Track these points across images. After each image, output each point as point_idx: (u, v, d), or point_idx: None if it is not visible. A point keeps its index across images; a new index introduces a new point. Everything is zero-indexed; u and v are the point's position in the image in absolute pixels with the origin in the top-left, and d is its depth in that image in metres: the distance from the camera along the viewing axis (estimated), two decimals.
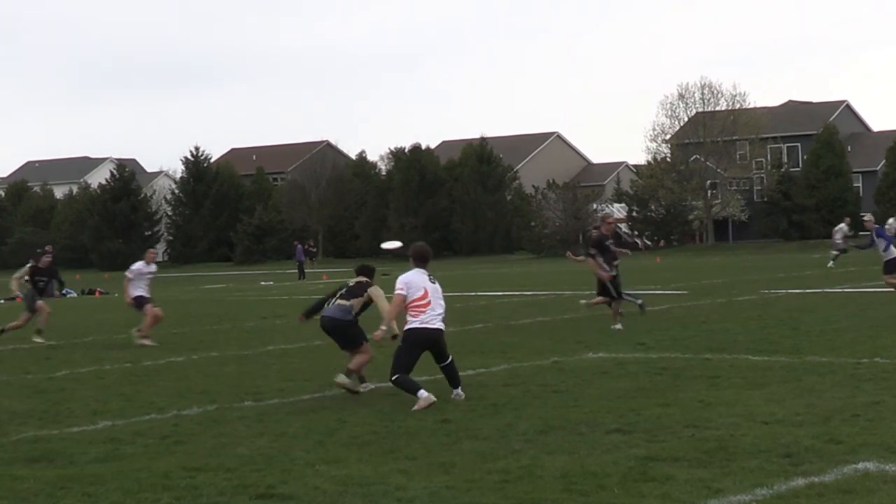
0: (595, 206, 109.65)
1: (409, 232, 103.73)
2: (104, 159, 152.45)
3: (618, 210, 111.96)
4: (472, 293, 43.44)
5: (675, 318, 27.58)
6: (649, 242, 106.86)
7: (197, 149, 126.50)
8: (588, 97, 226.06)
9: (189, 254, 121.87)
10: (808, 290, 35.56)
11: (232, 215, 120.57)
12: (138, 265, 27.34)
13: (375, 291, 17.11)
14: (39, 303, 27.66)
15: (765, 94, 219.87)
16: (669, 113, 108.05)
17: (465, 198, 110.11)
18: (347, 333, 17.16)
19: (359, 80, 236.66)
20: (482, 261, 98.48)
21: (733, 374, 17.05)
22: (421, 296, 15.70)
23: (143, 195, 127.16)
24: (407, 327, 15.73)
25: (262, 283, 66.33)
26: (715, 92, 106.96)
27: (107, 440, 13.63)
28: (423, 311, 15.67)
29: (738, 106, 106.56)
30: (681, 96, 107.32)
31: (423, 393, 15.19)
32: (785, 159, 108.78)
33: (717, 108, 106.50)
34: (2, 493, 11.00)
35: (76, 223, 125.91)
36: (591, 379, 17.29)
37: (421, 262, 16.08)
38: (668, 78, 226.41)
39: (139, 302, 26.96)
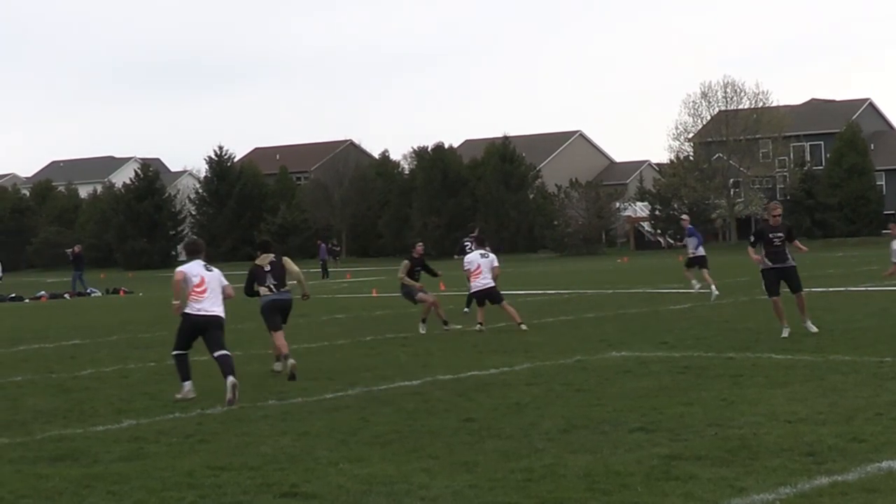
0: (618, 204, 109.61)
1: (432, 231, 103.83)
2: (128, 159, 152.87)
3: (640, 209, 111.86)
4: None
5: (697, 317, 27.52)
6: (672, 241, 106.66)
7: (221, 148, 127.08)
8: (611, 96, 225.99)
9: (213, 253, 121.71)
10: (830, 289, 35.44)
11: (255, 214, 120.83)
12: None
13: (289, 261, 20.19)
14: (420, 294, 27.10)
15: (787, 92, 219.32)
16: (692, 111, 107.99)
17: (487, 197, 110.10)
18: (290, 311, 20.10)
19: (382, 80, 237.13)
20: (505, 259, 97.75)
21: (756, 373, 17.00)
22: (198, 283, 17.13)
23: (167, 194, 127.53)
24: (189, 311, 17.12)
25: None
26: (738, 90, 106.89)
27: (131, 439, 13.66)
28: (202, 297, 17.08)
29: (760, 104, 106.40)
30: (704, 95, 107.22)
31: (187, 385, 16.87)
32: (808, 158, 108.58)
33: (740, 107, 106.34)
34: (27, 491, 11.04)
35: (101, 222, 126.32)
36: (613, 378, 17.26)
37: (193, 254, 17.56)
38: (690, 76, 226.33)
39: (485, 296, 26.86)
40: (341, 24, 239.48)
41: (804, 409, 13.66)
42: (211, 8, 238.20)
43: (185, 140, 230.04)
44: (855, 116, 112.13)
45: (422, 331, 26.62)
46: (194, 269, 17.27)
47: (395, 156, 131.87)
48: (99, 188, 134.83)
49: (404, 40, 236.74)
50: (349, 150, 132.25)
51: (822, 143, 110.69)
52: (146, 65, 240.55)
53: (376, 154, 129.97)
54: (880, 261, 51.83)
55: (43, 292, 60.07)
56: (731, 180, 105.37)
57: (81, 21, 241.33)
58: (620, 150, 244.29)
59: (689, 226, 36.62)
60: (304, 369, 20.18)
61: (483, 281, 26.87)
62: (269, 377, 19.30)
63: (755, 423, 12.81)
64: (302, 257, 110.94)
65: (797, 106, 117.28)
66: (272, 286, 19.76)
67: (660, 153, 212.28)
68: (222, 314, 17.29)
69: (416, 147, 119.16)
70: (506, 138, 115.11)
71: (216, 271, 17.45)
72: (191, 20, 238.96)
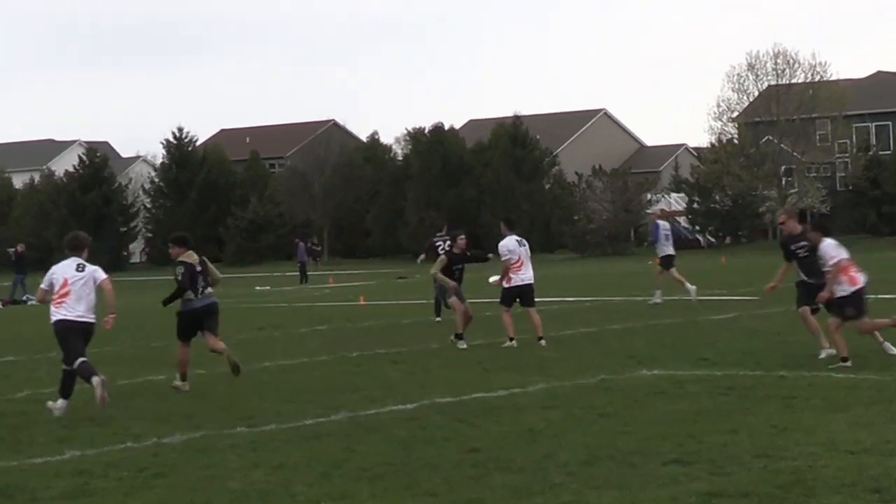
0: (649, 196, 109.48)
1: (428, 227, 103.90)
2: (72, 142, 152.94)
3: (675, 201, 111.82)
4: None
5: (743, 329, 27.54)
6: (713, 239, 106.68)
7: (180, 130, 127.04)
8: (641, 68, 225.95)
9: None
10: None
11: (221, 208, 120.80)
12: None
13: (213, 266, 21.09)
14: (453, 299, 26.60)
15: (849, 63, 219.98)
16: (737, 87, 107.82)
17: (495, 186, 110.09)
18: (218, 315, 21.08)
19: (370, 49, 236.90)
20: None
21: (812, 395, 17.03)
22: (60, 285, 18.10)
23: (117, 184, 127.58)
24: (55, 319, 18.10)
25: (258, 287, 66.45)
26: (790, 62, 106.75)
27: (75, 473, 13.68)
28: (65, 302, 18.05)
29: (817, 78, 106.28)
30: (750, 67, 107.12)
31: (95, 379, 17.69)
32: (873, 140, 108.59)
33: (794, 81, 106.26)
34: None
35: (39, 217, 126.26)
36: (644, 400, 17.29)
37: (74, 251, 18.52)
38: (735, 46, 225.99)
39: None
40: None
41: (869, 437, 13.68)
42: None
43: (138, 121, 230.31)
44: None
45: (461, 346, 25.98)
46: (62, 270, 18.28)
47: (387, 139, 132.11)
48: (37, 177, 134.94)
49: (395, 3, 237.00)
50: (332, 132, 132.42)
51: (889, 122, 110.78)
52: (93, 32, 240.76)
53: (364, 136, 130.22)
54: None
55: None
56: (783, 167, 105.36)
57: None
58: (652, 132, 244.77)
59: (658, 220, 37.80)
60: (280, 390, 20.22)
61: (524, 275, 25.99)
62: (238, 398, 19.31)
63: (811, 454, 12.84)
64: (276, 258, 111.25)
65: (860, 80, 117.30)
66: (201, 289, 20.70)
67: (698, 135, 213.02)
68: (93, 320, 18.20)
69: (410, 128, 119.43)
70: (517, 118, 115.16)
71: (88, 269, 18.26)
72: None
